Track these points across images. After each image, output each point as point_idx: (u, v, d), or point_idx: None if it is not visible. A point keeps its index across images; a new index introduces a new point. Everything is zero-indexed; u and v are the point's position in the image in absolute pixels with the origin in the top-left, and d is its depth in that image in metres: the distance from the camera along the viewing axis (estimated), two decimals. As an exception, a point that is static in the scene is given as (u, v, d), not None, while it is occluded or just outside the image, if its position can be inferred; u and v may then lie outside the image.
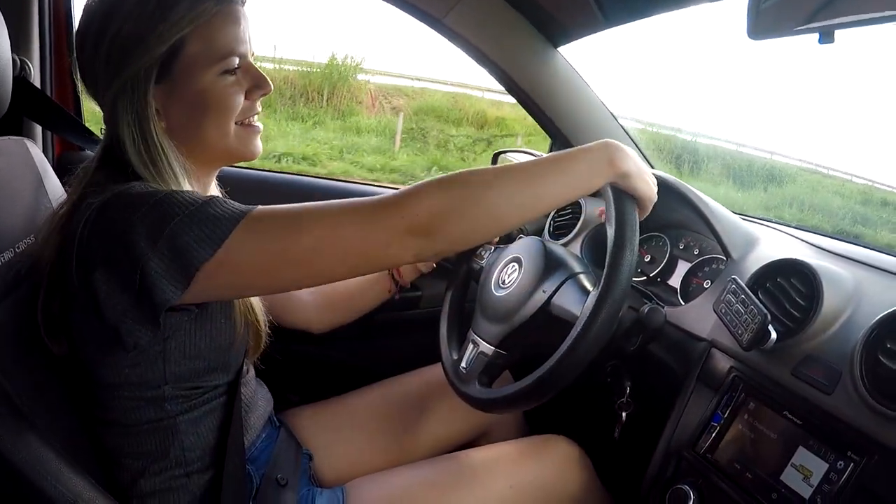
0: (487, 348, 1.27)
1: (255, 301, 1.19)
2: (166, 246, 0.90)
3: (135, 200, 0.93)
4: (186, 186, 1.07)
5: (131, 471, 1.10)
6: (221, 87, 1.08)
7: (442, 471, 1.34)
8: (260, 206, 0.97)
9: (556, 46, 1.88)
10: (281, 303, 1.46)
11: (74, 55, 1.10)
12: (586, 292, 1.16)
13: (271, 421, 1.37)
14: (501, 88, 1.99)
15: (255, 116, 1.16)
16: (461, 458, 1.37)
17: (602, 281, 1.07)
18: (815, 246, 1.40)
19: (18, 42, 1.11)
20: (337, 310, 1.56)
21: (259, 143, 1.18)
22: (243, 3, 1.10)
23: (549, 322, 1.21)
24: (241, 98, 1.11)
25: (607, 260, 1.09)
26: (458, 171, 1.01)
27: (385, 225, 0.95)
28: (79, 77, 1.11)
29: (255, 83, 1.12)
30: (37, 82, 1.55)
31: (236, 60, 1.08)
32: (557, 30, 1.84)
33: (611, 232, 1.12)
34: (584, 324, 1.06)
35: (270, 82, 1.14)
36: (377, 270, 1.04)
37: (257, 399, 1.31)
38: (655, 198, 1.14)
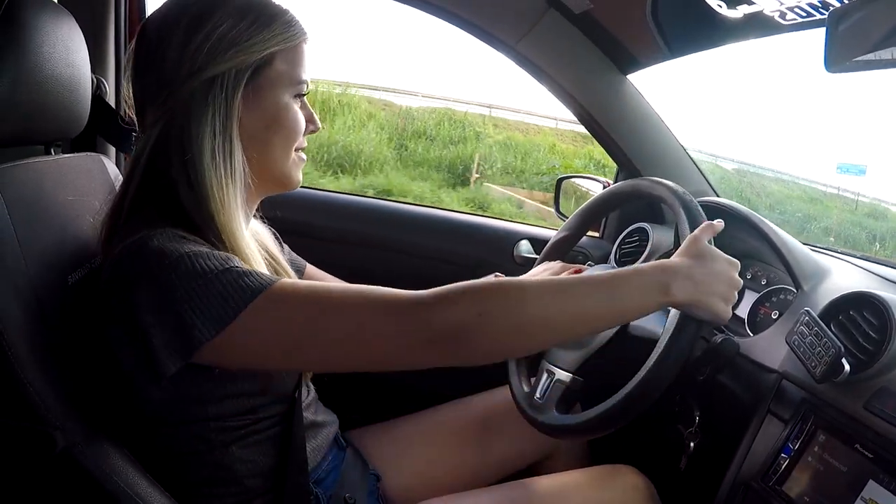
0: (565, 375, 1.29)
1: None
2: (170, 319, 0.89)
3: (151, 259, 0.91)
4: (240, 199, 1.07)
5: (191, 493, 1.09)
6: (294, 111, 1.11)
7: (513, 497, 1.33)
8: (281, 283, 0.93)
9: (625, 74, 1.89)
10: None
11: (133, 47, 1.09)
12: (667, 311, 1.17)
13: (337, 442, 1.36)
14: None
15: (303, 150, 1.19)
16: (532, 484, 1.36)
17: None
18: (882, 277, 1.39)
19: (95, 61, 1.16)
20: None
21: (301, 175, 1.20)
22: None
23: (628, 344, 1.23)
24: (304, 127, 1.15)
25: None
26: (495, 280, 0.96)
27: (410, 329, 0.91)
28: (129, 74, 1.10)
29: (309, 118, 1.16)
30: (111, 101, 1.57)
31: (305, 88, 1.13)
32: (626, 58, 1.85)
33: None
34: (670, 338, 1.07)
35: (318, 120, 1.18)
36: (395, 370, 0.97)
37: (321, 420, 1.30)
38: (727, 318, 1.06)
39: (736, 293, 1.07)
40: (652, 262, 1.05)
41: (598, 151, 12.92)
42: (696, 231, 1.11)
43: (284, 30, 1.07)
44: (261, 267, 1.07)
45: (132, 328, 0.90)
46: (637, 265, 1.05)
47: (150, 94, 1.06)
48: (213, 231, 1.02)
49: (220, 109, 1.03)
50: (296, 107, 1.12)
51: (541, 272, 1.51)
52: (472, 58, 21.13)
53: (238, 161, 1.06)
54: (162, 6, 1.08)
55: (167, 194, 1.03)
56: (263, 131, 1.09)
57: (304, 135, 1.16)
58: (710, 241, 1.10)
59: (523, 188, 11.87)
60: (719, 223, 1.13)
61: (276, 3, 1.10)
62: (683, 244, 1.10)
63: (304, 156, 1.19)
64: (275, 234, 1.37)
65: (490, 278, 1.50)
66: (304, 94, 1.13)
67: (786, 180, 14.72)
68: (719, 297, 1.04)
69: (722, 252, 1.08)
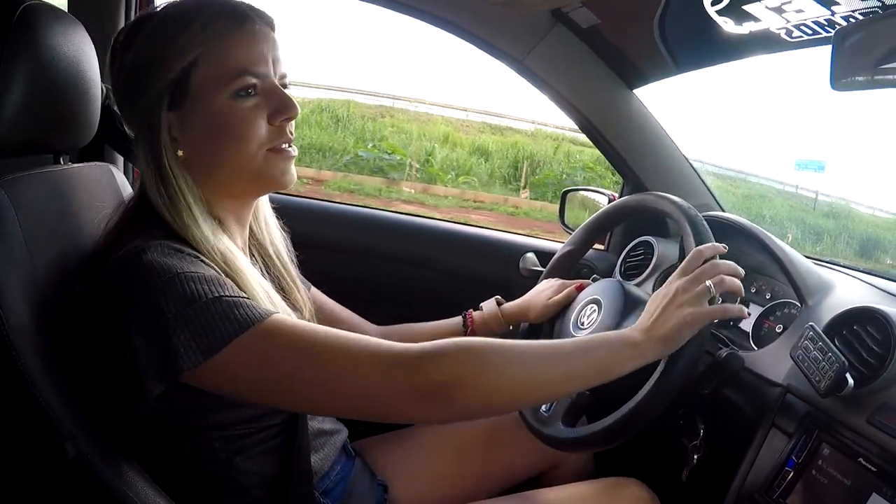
0: None
1: None
2: (156, 343, 0.88)
3: (142, 277, 0.91)
4: (203, 223, 1.03)
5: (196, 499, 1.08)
6: (238, 110, 1.04)
7: None
8: (271, 320, 0.92)
9: (631, 88, 1.90)
10: None
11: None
12: None
13: (346, 450, 1.34)
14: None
15: (288, 143, 1.10)
16: (537, 496, 1.37)
17: None
18: (887, 292, 1.40)
19: (105, 70, 1.17)
20: None
21: (293, 171, 1.12)
22: (266, 24, 1.08)
23: None
24: (262, 122, 1.06)
25: None
26: (482, 341, 0.96)
27: (399, 384, 0.91)
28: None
29: (279, 107, 1.06)
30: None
31: (250, 80, 1.04)
32: (633, 72, 1.87)
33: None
34: (672, 355, 1.08)
35: (297, 105, 1.08)
36: (380, 421, 0.99)
37: (328, 428, 1.29)
38: (715, 318, 1.07)
39: (693, 295, 1.07)
40: (621, 330, 1.10)
41: (494, 141, 13.60)
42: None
43: (205, 27, 1.01)
44: (252, 282, 1.05)
45: (122, 347, 0.90)
46: (609, 332, 1.10)
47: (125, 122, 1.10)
48: (193, 246, 1.00)
49: (148, 140, 1.03)
50: (242, 104, 1.04)
51: (542, 291, 1.53)
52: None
53: (182, 187, 1.03)
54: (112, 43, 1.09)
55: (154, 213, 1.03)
56: (207, 144, 1.05)
57: (276, 124, 1.07)
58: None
59: (320, 168, 11.91)
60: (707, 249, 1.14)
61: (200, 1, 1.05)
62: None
63: (289, 149, 1.11)
64: (287, 247, 1.34)
65: (491, 303, 1.54)
66: (251, 85, 1.04)
67: (731, 177, 14.56)
68: (681, 315, 1.06)
69: (693, 261, 1.12)
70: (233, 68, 1.03)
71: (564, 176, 12.35)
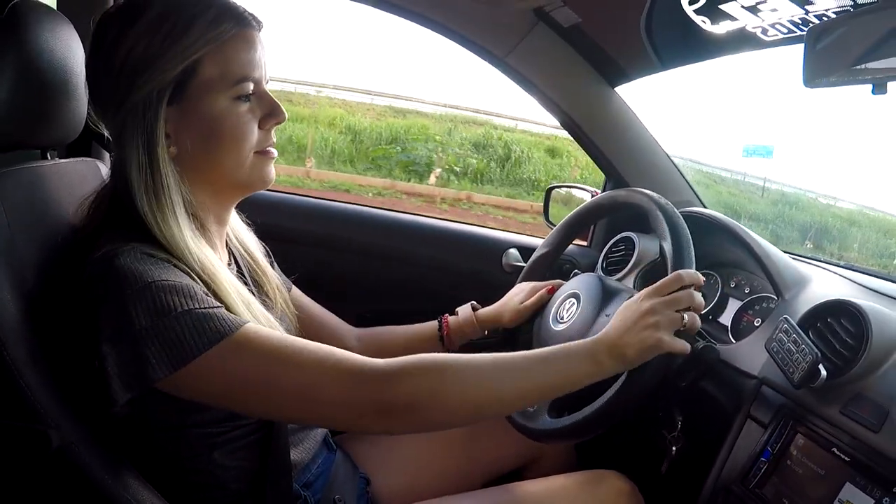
0: None
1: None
2: (126, 352, 0.88)
3: (115, 284, 0.90)
4: (184, 222, 1.02)
5: (181, 495, 1.08)
6: (236, 114, 1.05)
7: (499, 500, 1.35)
8: (242, 332, 0.93)
9: (613, 86, 1.92)
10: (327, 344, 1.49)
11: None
12: None
13: (327, 443, 1.34)
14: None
15: (272, 145, 1.12)
16: (518, 488, 1.37)
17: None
18: (863, 286, 1.42)
19: None
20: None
21: (273, 170, 1.14)
22: (259, 29, 1.08)
23: None
24: (255, 126, 1.08)
25: (669, 270, 1.16)
26: (444, 359, 1.00)
27: (362, 398, 0.94)
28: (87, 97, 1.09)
29: (269, 111, 1.09)
30: None
31: (251, 86, 1.06)
32: (615, 70, 1.88)
33: (667, 246, 1.18)
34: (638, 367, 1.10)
35: (284, 111, 1.10)
36: (343, 431, 1.02)
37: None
38: (670, 349, 1.08)
39: (664, 318, 1.08)
40: (585, 341, 1.10)
41: (402, 125, 13.52)
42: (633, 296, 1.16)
43: (209, 28, 1.01)
44: (228, 286, 1.04)
45: (92, 351, 0.90)
46: (571, 343, 1.09)
47: (99, 118, 1.08)
48: (166, 251, 0.99)
49: (143, 136, 1.00)
50: (240, 109, 1.05)
51: (514, 295, 1.54)
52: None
53: (170, 186, 1.02)
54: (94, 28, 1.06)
55: (130, 214, 1.01)
56: (203, 144, 1.05)
57: (266, 129, 1.10)
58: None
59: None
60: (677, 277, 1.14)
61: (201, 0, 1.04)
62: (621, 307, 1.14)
63: (273, 151, 1.13)
64: (266, 250, 1.35)
65: (467, 309, 1.55)
66: (249, 92, 1.06)
67: (679, 165, 14.62)
68: (647, 338, 1.07)
69: (660, 288, 1.12)
70: (236, 73, 1.04)
71: (399, 150, 12.39)
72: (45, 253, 1.07)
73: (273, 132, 1.12)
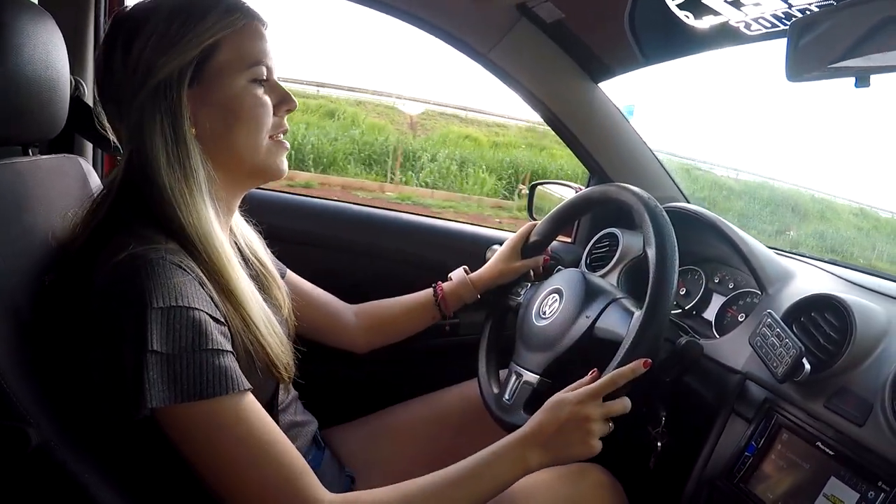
0: (532, 377, 1.31)
1: (267, 335, 1.09)
2: (127, 366, 0.88)
3: (138, 292, 0.89)
4: (210, 200, 1.05)
5: (166, 494, 1.08)
6: (253, 96, 1.08)
7: None
8: (231, 400, 0.94)
9: (596, 82, 1.92)
10: (326, 324, 1.49)
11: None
12: (630, 313, 1.20)
13: (316, 442, 1.36)
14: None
15: (284, 134, 1.16)
16: None
17: (647, 298, 1.13)
18: (848, 281, 1.42)
19: (74, 62, 1.16)
20: (382, 333, 1.58)
21: (286, 162, 1.16)
22: (265, 26, 1.12)
23: (593, 346, 1.25)
24: (271, 111, 1.11)
25: (651, 279, 1.14)
26: (371, 497, 1.05)
27: None
28: (94, 93, 1.11)
29: (281, 99, 1.13)
30: (90, 101, 1.55)
31: (265, 70, 1.09)
32: (598, 66, 1.88)
33: (651, 253, 1.16)
34: (633, 340, 1.12)
35: (295, 99, 1.14)
36: None
37: (300, 420, 1.31)
38: (591, 454, 1.12)
39: (597, 426, 1.11)
40: (510, 438, 1.13)
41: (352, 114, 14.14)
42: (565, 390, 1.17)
43: (224, 16, 1.05)
44: (238, 271, 1.06)
45: (99, 355, 0.91)
46: (499, 444, 1.12)
47: (112, 114, 1.08)
48: (188, 238, 1.00)
49: (168, 115, 1.01)
50: (256, 91, 1.08)
51: (505, 254, 1.63)
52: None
53: (197, 163, 1.03)
54: (109, 25, 1.08)
55: (145, 206, 1.01)
56: (222, 124, 1.07)
57: (279, 115, 1.13)
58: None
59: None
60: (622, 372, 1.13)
61: None
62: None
63: (285, 140, 1.16)
64: (260, 233, 1.35)
65: (460, 272, 1.61)
66: (264, 77, 1.10)
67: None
68: (578, 444, 1.11)
69: (589, 391, 1.12)
70: (251, 56, 1.08)
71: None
72: (25, 249, 1.06)
73: (285, 121, 1.15)
